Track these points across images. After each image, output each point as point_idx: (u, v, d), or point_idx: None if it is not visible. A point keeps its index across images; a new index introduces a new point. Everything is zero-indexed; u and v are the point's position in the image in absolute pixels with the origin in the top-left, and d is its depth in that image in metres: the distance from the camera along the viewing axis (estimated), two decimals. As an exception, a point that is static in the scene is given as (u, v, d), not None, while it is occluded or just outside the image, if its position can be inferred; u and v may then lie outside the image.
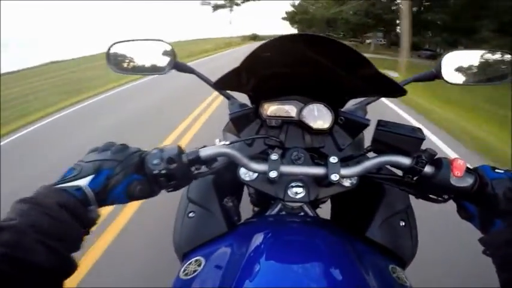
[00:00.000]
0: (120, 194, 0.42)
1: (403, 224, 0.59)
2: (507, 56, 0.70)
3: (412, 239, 0.58)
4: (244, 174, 0.55)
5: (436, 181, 0.43)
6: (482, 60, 0.73)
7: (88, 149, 0.44)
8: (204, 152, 0.48)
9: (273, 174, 0.47)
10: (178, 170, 0.45)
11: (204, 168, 0.52)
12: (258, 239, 0.48)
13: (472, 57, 0.72)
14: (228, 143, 0.55)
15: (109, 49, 0.64)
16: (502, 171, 0.42)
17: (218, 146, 0.51)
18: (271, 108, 0.61)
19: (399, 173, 0.50)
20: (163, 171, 0.44)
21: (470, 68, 0.72)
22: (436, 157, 0.45)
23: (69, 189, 0.36)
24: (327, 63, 0.45)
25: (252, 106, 0.63)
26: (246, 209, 1.00)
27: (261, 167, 0.49)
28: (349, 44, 0.38)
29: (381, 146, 0.49)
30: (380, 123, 0.49)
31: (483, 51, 0.73)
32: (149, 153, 0.45)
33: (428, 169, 0.45)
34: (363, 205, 0.65)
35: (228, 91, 0.74)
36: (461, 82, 0.70)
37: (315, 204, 0.81)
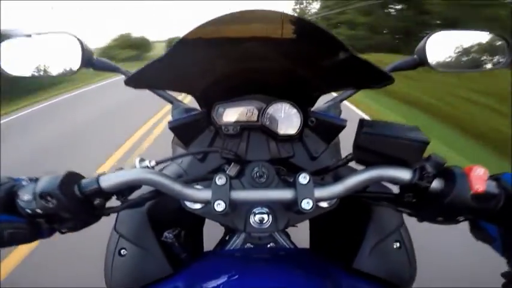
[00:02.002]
0: None
1: (398, 245, 0.48)
2: (500, 40, 0.59)
3: (410, 262, 0.48)
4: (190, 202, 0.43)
5: (449, 200, 0.32)
6: (473, 43, 0.62)
7: None
8: (107, 182, 0.35)
9: (219, 206, 0.35)
10: (64, 209, 0.32)
11: (116, 201, 0.38)
12: (211, 283, 0.38)
13: (460, 39, 0.60)
14: (153, 164, 0.41)
15: (-3, 47, 0.49)
16: None
17: (129, 170, 0.36)
18: (227, 112, 0.51)
19: (393, 188, 0.39)
20: (38, 211, 0.32)
21: (459, 51, 0.60)
22: (446, 165, 0.34)
23: None
24: (290, 50, 0.33)
25: (201, 110, 0.51)
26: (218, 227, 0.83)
27: (203, 194, 0.36)
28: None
29: (366, 154, 0.37)
30: (363, 124, 0.36)
31: (472, 32, 0.62)
32: (20, 186, 0.34)
33: (436, 184, 0.34)
34: (347, 227, 0.54)
35: (168, 92, 0.60)
36: (450, 68, 0.58)
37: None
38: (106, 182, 0.35)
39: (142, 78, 0.35)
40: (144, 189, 0.41)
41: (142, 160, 0.41)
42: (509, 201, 0.32)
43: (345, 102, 0.66)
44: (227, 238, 0.61)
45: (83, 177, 0.35)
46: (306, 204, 0.35)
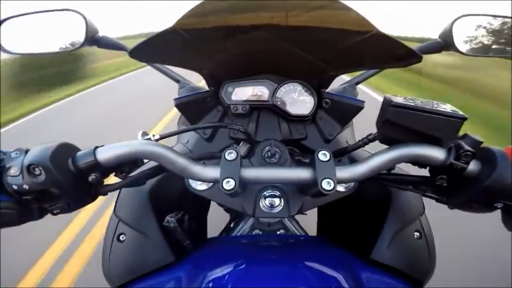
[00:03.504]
0: None
1: (418, 235, 0.44)
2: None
3: (430, 253, 0.44)
4: (196, 182, 0.40)
5: (488, 183, 0.29)
6: (499, 27, 0.59)
7: None
8: (104, 154, 0.31)
9: (227, 184, 0.31)
10: (54, 184, 0.29)
11: (114, 178, 0.35)
12: (215, 273, 0.36)
13: (486, 23, 0.57)
14: (157, 137, 0.38)
15: (-2, 25, 0.46)
16: None
17: (130, 142, 0.33)
18: (236, 91, 0.48)
19: (421, 171, 0.35)
20: (25, 187, 0.28)
21: (484, 36, 0.57)
22: (483, 145, 0.31)
23: None
24: (309, 27, 0.29)
25: (209, 89, 0.48)
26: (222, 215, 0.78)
27: (211, 172, 0.32)
28: None
29: (394, 131, 0.33)
30: (391, 99, 0.32)
31: (499, 18, 0.58)
32: (8, 158, 0.30)
33: (473, 166, 0.31)
34: (364, 214, 0.50)
35: (174, 72, 0.58)
36: (476, 53, 0.55)
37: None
38: (103, 154, 0.31)
39: (149, 50, 0.32)
40: (146, 167, 0.37)
41: (145, 134, 0.38)
42: None
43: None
44: (233, 224, 0.57)
45: (79, 150, 0.32)
46: (327, 185, 0.30)
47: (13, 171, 0.28)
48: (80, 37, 0.48)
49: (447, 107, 0.31)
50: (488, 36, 0.56)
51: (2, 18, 0.47)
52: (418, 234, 0.44)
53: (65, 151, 0.30)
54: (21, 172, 0.28)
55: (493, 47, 0.58)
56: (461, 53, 0.51)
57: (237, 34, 0.31)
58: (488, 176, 0.29)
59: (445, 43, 0.52)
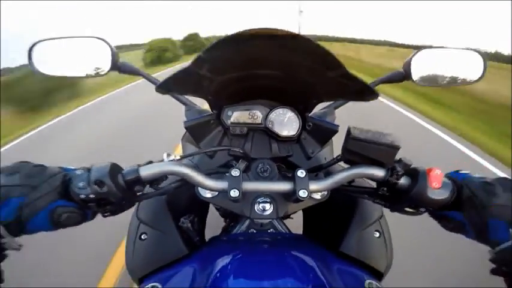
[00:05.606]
0: (41, 223, 0.36)
1: (378, 235, 0.56)
2: (477, 55, 0.67)
3: (388, 250, 0.55)
4: (204, 190, 0.50)
5: (413, 194, 0.40)
6: (453, 59, 0.70)
7: None
8: (146, 171, 0.41)
9: (234, 193, 0.42)
10: (112, 194, 0.38)
11: (149, 189, 0.45)
12: (222, 261, 0.44)
13: (442, 56, 0.68)
14: (178, 158, 0.48)
15: (31, 47, 0.54)
16: (465, 172, 0.42)
17: (165, 162, 0.44)
18: (235, 115, 0.57)
19: (373, 183, 0.47)
20: (91, 196, 0.37)
21: (440, 68, 0.68)
22: (412, 167, 0.42)
23: None
24: (293, 63, 0.40)
25: (212, 112, 0.57)
26: (217, 220, 0.93)
27: (221, 184, 0.44)
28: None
29: (352, 156, 0.44)
30: (350, 131, 0.44)
31: (453, 49, 0.70)
32: (74, 175, 0.38)
33: (404, 181, 0.42)
34: (336, 217, 0.61)
35: (184, 96, 0.66)
36: (431, 84, 0.66)
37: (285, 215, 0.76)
38: (145, 172, 0.41)
39: (169, 85, 0.41)
40: (171, 179, 0.47)
41: (168, 155, 0.47)
42: (458, 189, 0.40)
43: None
44: (231, 225, 0.68)
45: (122, 168, 0.42)
46: (302, 193, 0.42)
47: (81, 184, 0.37)
48: (104, 62, 0.55)
49: (389, 138, 0.42)
50: (442, 67, 0.67)
51: (34, 41, 0.55)
52: (377, 233, 0.56)
53: (115, 169, 0.40)
54: (89, 185, 0.37)
55: (446, 77, 0.68)
56: (416, 83, 0.62)
57: (240, 60, 0.41)
58: (412, 189, 0.40)
59: (406, 73, 0.63)
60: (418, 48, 0.65)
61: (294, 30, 0.33)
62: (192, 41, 22.41)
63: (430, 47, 0.66)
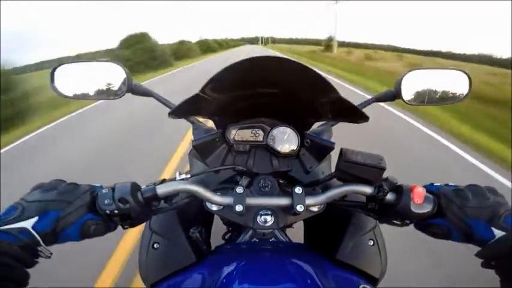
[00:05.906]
0: (72, 234, 0.41)
1: (372, 243, 0.60)
2: (463, 75, 0.72)
3: (382, 257, 0.59)
4: (211, 204, 0.54)
5: (398, 208, 0.45)
6: (440, 79, 0.75)
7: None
8: (162, 189, 0.46)
9: (238, 208, 0.47)
10: (133, 210, 0.43)
11: (163, 204, 0.50)
12: (228, 268, 0.48)
13: (430, 76, 0.73)
14: (188, 176, 0.52)
15: (53, 71, 0.59)
16: (438, 184, 0.48)
17: (178, 181, 0.49)
18: (238, 133, 0.62)
19: (363, 198, 0.51)
20: (115, 212, 0.42)
21: (428, 87, 0.73)
22: (398, 184, 0.47)
23: (12, 232, 0.36)
24: (291, 86, 0.45)
25: (218, 131, 0.62)
26: (220, 229, 0.97)
27: (226, 200, 0.49)
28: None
29: (344, 175, 0.49)
30: (342, 152, 0.49)
31: (441, 70, 0.75)
32: (100, 192, 0.43)
33: (390, 197, 0.47)
34: (333, 226, 0.65)
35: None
36: (419, 102, 0.71)
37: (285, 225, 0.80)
38: (162, 190, 0.46)
39: (181, 110, 0.46)
40: (182, 195, 0.52)
41: (180, 173, 0.52)
42: (439, 202, 0.44)
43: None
44: (235, 234, 0.72)
45: (140, 186, 0.47)
46: (299, 208, 0.47)
47: (107, 201, 0.42)
48: (119, 85, 0.60)
49: (377, 159, 0.47)
50: (430, 87, 0.72)
51: (57, 64, 0.60)
52: (372, 241, 0.60)
53: (135, 187, 0.45)
54: (113, 202, 0.42)
55: (435, 95, 0.73)
56: (406, 103, 0.67)
57: (243, 87, 0.46)
58: (397, 204, 0.45)
59: (397, 93, 0.68)
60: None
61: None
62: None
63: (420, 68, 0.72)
